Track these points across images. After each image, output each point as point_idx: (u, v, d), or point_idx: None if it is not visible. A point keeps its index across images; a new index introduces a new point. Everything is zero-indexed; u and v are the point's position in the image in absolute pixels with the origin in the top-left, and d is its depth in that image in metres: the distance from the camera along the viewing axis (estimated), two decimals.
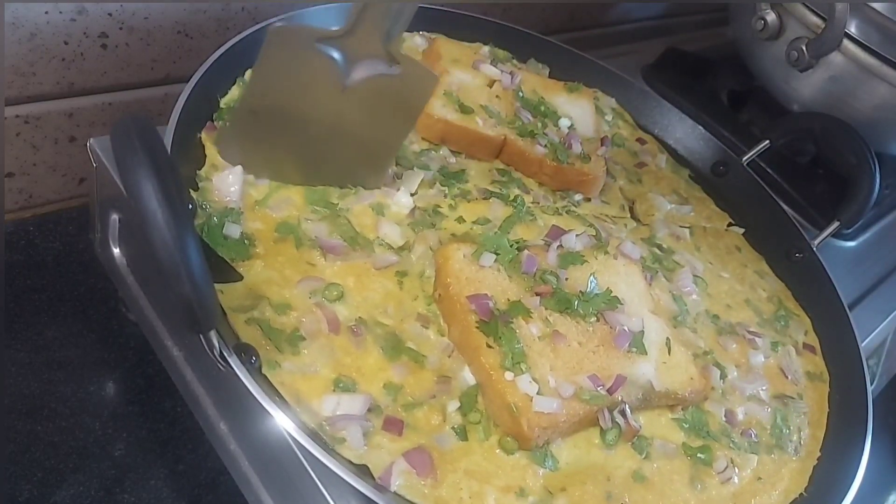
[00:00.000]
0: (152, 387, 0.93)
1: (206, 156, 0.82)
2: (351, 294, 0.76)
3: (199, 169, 0.81)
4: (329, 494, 0.65)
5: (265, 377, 0.67)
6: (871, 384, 0.95)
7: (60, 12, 0.91)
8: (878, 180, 1.12)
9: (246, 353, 0.67)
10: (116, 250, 0.88)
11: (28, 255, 1.00)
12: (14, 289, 0.96)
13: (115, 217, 0.86)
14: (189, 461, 0.88)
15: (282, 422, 0.62)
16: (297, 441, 0.62)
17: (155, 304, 0.84)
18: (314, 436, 0.64)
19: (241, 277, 0.73)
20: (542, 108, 1.05)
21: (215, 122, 0.85)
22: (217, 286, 0.69)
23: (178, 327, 0.81)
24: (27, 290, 0.97)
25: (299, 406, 0.66)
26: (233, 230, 0.75)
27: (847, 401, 0.91)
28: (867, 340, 1.10)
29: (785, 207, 1.14)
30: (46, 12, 0.90)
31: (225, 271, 0.73)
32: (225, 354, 0.63)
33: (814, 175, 1.38)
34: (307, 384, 0.68)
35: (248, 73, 0.91)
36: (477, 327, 0.74)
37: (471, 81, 1.02)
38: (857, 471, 0.81)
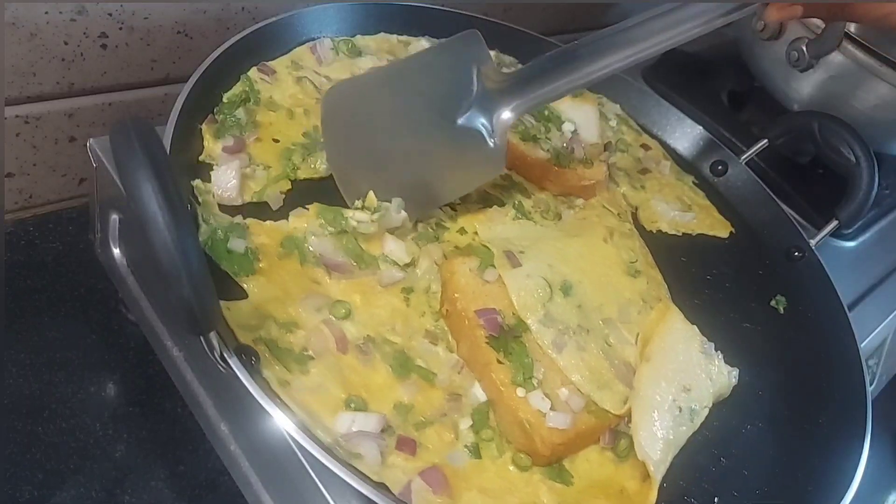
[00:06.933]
0: (152, 388, 0.93)
1: (203, 146, 0.83)
2: (358, 312, 0.75)
3: (199, 156, 0.82)
4: (329, 494, 0.65)
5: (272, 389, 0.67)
6: (871, 384, 0.95)
7: (60, 12, 0.91)
8: (876, 180, 1.12)
9: (246, 354, 0.67)
10: (116, 250, 0.88)
11: (28, 255, 1.00)
12: (14, 289, 0.96)
13: (115, 217, 0.86)
14: (189, 462, 0.88)
15: (282, 422, 0.62)
16: (297, 441, 0.62)
17: (155, 304, 0.84)
18: (329, 451, 0.63)
19: (245, 295, 0.72)
20: (545, 113, 1.05)
21: (216, 115, 0.86)
22: (223, 304, 0.69)
23: (178, 329, 0.81)
24: (27, 290, 0.96)
25: (314, 422, 0.65)
26: (237, 244, 0.74)
27: (847, 401, 0.91)
28: (867, 340, 1.10)
29: (784, 207, 1.14)
30: (46, 12, 0.90)
31: (229, 288, 0.72)
32: (225, 355, 0.63)
33: (813, 175, 1.38)
34: (317, 402, 0.67)
35: (252, 70, 0.91)
36: (486, 343, 0.74)
37: None
38: (856, 471, 0.81)
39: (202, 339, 0.62)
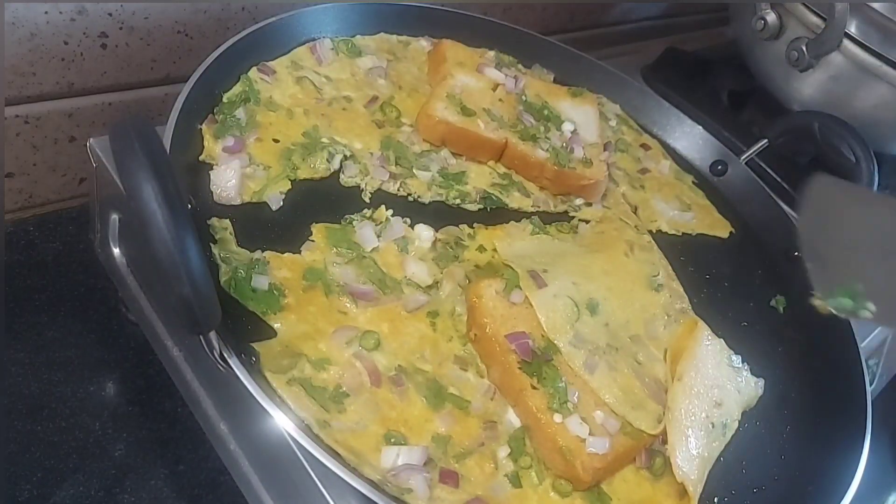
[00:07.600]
0: (152, 387, 0.93)
1: (203, 146, 0.83)
2: (387, 341, 0.75)
3: (199, 156, 0.81)
4: (329, 494, 0.65)
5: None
6: (871, 384, 0.95)
7: (60, 12, 0.91)
8: (876, 179, 1.12)
9: (246, 353, 0.67)
10: (116, 250, 0.88)
11: (28, 255, 1.00)
12: (14, 289, 0.96)
13: (115, 217, 0.86)
14: (189, 461, 0.88)
15: (282, 422, 0.63)
16: (297, 441, 0.62)
17: (155, 304, 0.84)
18: (379, 488, 0.63)
19: (275, 333, 0.71)
20: (546, 113, 1.05)
21: (216, 115, 0.86)
22: (254, 345, 0.69)
23: (178, 328, 0.81)
24: (27, 290, 0.97)
25: (359, 460, 0.65)
26: (261, 282, 0.73)
27: (847, 401, 0.91)
28: (867, 340, 1.10)
29: (784, 207, 1.14)
30: (46, 12, 0.90)
31: (259, 328, 0.71)
32: (225, 355, 0.63)
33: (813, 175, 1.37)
34: (359, 441, 0.67)
35: (252, 70, 0.91)
36: (519, 368, 0.73)
37: (474, 85, 1.02)
38: (855, 471, 0.81)
39: (202, 338, 0.62)
